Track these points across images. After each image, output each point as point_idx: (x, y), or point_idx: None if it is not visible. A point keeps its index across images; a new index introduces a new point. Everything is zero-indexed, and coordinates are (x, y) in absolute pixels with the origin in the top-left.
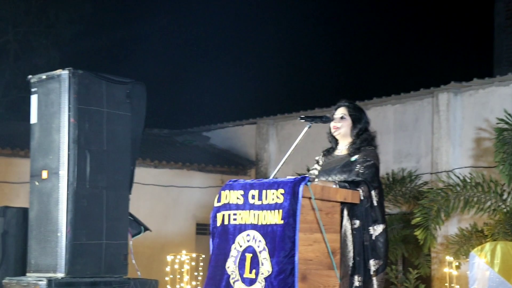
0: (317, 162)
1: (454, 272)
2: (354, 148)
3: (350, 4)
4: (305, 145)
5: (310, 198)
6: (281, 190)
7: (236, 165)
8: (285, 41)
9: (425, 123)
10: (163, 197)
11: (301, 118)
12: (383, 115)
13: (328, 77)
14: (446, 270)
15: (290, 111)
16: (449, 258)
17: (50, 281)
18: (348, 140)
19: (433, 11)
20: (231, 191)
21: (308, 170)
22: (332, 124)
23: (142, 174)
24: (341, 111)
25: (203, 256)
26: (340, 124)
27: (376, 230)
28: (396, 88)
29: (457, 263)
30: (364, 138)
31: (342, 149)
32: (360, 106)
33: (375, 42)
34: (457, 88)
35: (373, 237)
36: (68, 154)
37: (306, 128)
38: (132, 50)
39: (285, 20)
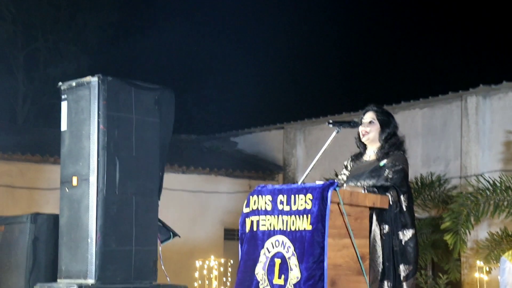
0: (345, 167)
1: (485, 277)
2: (383, 153)
3: (378, 7)
4: (332, 149)
5: (338, 203)
6: (310, 196)
7: (263, 170)
8: (314, 45)
9: (454, 127)
10: (191, 202)
11: (330, 123)
12: (411, 119)
13: (356, 81)
14: (476, 275)
15: (318, 116)
16: (479, 263)
17: (80, 287)
18: (377, 145)
19: (461, 13)
20: (260, 196)
21: (336, 176)
22: (361, 128)
23: (170, 180)
24: (369, 116)
25: (232, 261)
26: (369, 128)
27: (406, 235)
28: (424, 91)
29: (487, 268)
30: (392, 143)
31: (370, 154)
32: (388, 110)
33: (404, 45)
34: (486, 91)
35: (403, 242)
36: (98, 161)
37: (334, 133)
38: (160, 56)
39: (311, 23)
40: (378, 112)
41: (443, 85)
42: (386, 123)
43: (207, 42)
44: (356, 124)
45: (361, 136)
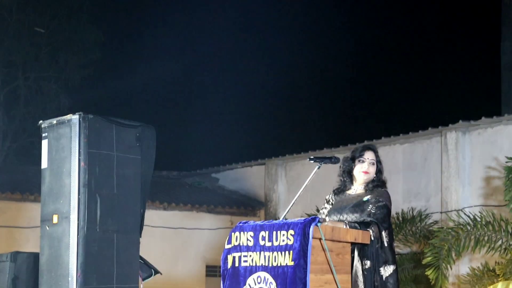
0: (327, 201)
1: None
2: (369, 188)
3: (358, 44)
4: (314, 185)
5: (320, 239)
6: (291, 231)
7: (245, 206)
8: (293, 82)
9: (434, 162)
10: (172, 239)
11: (311, 159)
12: (392, 154)
13: (337, 117)
14: None
15: (299, 152)
16: None
17: None
18: (367, 181)
19: (440, 50)
20: (242, 232)
21: (318, 211)
22: (363, 168)
23: (152, 216)
24: (371, 157)
25: None
26: (371, 169)
27: (387, 271)
28: (405, 127)
29: None
30: (378, 179)
31: (356, 189)
32: None
33: (383, 82)
34: (466, 127)
35: (384, 278)
36: (79, 198)
37: (316, 169)
38: (140, 93)
39: (291, 61)
40: (377, 153)
41: (423, 120)
42: (381, 165)
43: (188, 79)
44: (337, 160)
45: (361, 175)
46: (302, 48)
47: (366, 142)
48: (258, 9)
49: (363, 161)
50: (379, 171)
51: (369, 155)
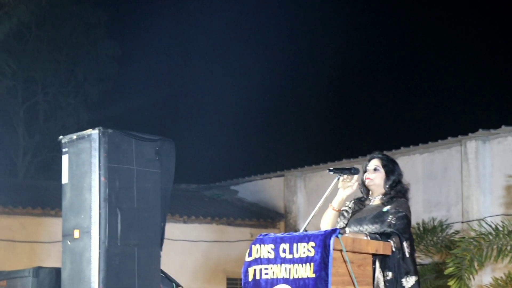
0: (347, 211)
1: None
2: (387, 198)
3: (375, 51)
4: (333, 196)
5: (341, 250)
6: (312, 243)
7: (265, 218)
8: (313, 92)
9: (454, 172)
10: (193, 252)
11: (330, 170)
12: (411, 164)
13: (356, 128)
14: None
15: (318, 163)
16: None
17: None
18: (381, 191)
19: (459, 58)
20: (262, 245)
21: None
22: (366, 175)
23: (171, 230)
24: (374, 163)
25: None
26: (374, 175)
27: (409, 282)
28: (424, 137)
29: None
30: (398, 190)
31: (374, 200)
32: (393, 158)
33: (403, 91)
34: (485, 136)
35: None
36: (100, 213)
37: (335, 180)
38: (159, 107)
39: (310, 69)
40: (383, 159)
41: (442, 130)
42: (391, 170)
43: (204, 90)
44: (356, 171)
45: (366, 182)
46: (319, 56)
47: (384, 152)
48: (275, 10)
49: (368, 170)
50: (389, 178)
51: (372, 163)
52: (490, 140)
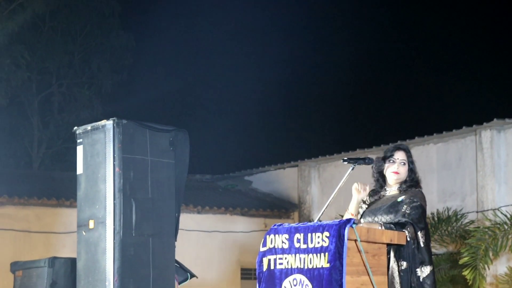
0: (364, 202)
1: None
2: (405, 187)
3: (392, 42)
4: (348, 187)
5: (356, 240)
6: (326, 233)
7: (279, 209)
8: (326, 82)
9: (469, 161)
10: (207, 242)
11: (345, 160)
12: (426, 154)
13: (370, 118)
14: None
15: (332, 153)
16: None
17: None
18: (400, 182)
19: (474, 47)
20: (276, 235)
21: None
22: (393, 168)
23: (186, 220)
24: (402, 156)
25: None
26: (402, 169)
27: (424, 272)
28: (438, 127)
29: None
30: (412, 179)
31: (390, 190)
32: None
33: (417, 81)
34: (500, 125)
35: (421, 279)
36: (114, 203)
37: (349, 170)
38: (174, 98)
39: (324, 60)
40: (408, 152)
41: (457, 119)
42: (414, 165)
43: (222, 82)
44: (371, 161)
45: (391, 174)
46: (333, 48)
47: (399, 142)
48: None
49: (393, 162)
50: (411, 171)
51: (399, 155)
52: (505, 130)
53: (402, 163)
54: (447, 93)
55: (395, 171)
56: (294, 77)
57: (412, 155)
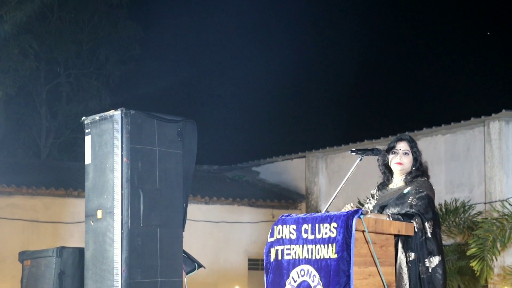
0: (372, 196)
1: None
2: (410, 178)
3: (399, 33)
4: (355, 177)
5: (363, 231)
6: (334, 224)
7: (286, 200)
8: (335, 73)
9: (477, 152)
10: (214, 233)
11: (353, 151)
12: (433, 145)
13: (378, 108)
14: None
15: (339, 144)
16: None
17: None
18: (406, 173)
19: (482, 39)
20: (284, 226)
21: (360, 203)
22: (397, 159)
23: (193, 210)
24: (404, 147)
25: None
26: (405, 160)
27: (433, 262)
28: (446, 118)
29: None
30: (420, 170)
31: (397, 182)
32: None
33: (425, 72)
34: (509, 116)
35: (430, 270)
36: (122, 194)
37: (357, 161)
38: (181, 88)
39: (331, 51)
40: (412, 142)
41: (465, 111)
42: (419, 155)
43: (230, 72)
44: (378, 152)
45: (395, 166)
46: (339, 38)
47: (406, 133)
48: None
49: (396, 152)
50: (415, 160)
51: (401, 146)
52: None
53: (405, 153)
54: (455, 84)
55: (398, 161)
56: (302, 68)
57: (416, 144)
